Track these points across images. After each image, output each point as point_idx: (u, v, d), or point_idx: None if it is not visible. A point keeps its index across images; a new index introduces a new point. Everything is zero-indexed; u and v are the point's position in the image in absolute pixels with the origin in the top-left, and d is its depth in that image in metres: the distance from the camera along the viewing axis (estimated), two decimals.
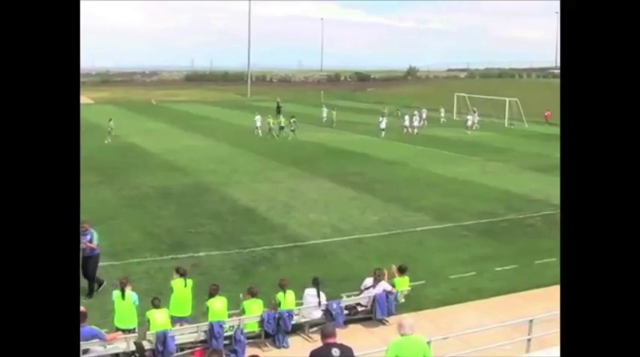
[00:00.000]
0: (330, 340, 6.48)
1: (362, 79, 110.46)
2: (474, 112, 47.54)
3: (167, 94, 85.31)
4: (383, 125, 41.14)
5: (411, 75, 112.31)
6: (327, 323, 7.67)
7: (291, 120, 40.38)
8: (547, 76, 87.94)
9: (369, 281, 12.12)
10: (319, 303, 11.49)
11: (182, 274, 11.31)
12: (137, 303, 10.64)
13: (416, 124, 44.00)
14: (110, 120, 39.01)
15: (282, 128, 40.83)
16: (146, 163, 30.13)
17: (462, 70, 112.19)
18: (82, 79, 67.56)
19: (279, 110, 48.40)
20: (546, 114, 50.76)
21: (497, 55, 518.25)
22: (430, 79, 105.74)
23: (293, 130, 39.43)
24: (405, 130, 43.44)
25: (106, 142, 36.67)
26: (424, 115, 47.95)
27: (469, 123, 44.59)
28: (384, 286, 11.95)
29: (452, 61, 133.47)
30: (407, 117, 44.46)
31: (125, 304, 10.52)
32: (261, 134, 40.89)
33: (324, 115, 49.65)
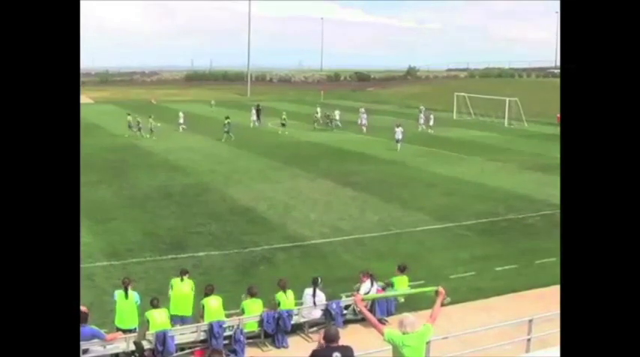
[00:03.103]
0: (333, 345, 6.45)
1: (362, 78, 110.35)
2: (399, 125, 37.44)
3: (167, 94, 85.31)
4: (399, 135, 35.45)
5: (410, 75, 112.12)
6: (331, 327, 7.63)
7: (226, 121, 38.85)
8: (547, 75, 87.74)
9: (366, 286, 12.04)
10: (314, 303, 11.51)
11: (183, 273, 11.41)
12: (139, 302, 10.67)
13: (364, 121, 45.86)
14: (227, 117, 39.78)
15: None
16: (146, 163, 30.14)
17: (462, 70, 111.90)
18: (82, 79, 67.66)
19: (258, 112, 48.96)
20: (558, 116, 46.45)
21: (497, 55, 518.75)
22: (430, 79, 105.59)
23: (227, 132, 38.35)
24: (363, 129, 44.39)
25: (233, 136, 38.21)
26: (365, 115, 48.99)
27: (400, 136, 35.96)
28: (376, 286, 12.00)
29: (452, 61, 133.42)
30: (361, 115, 46.26)
31: (127, 304, 10.54)
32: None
33: (254, 118, 47.76)
